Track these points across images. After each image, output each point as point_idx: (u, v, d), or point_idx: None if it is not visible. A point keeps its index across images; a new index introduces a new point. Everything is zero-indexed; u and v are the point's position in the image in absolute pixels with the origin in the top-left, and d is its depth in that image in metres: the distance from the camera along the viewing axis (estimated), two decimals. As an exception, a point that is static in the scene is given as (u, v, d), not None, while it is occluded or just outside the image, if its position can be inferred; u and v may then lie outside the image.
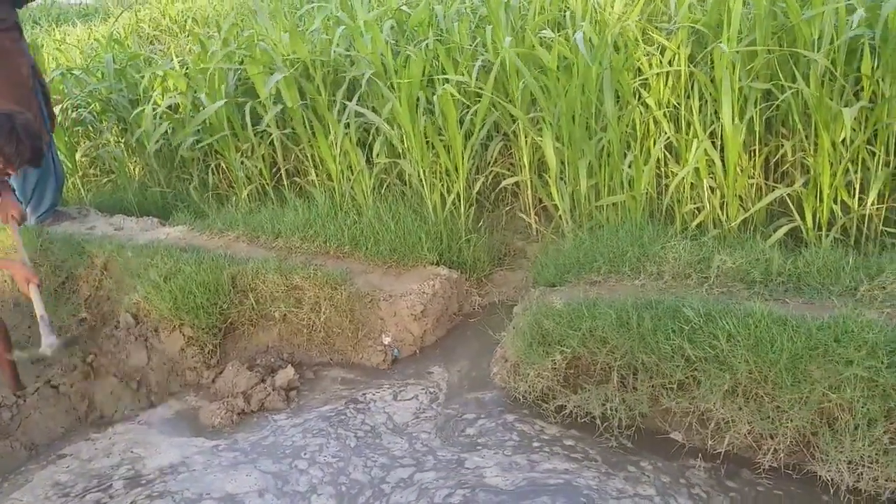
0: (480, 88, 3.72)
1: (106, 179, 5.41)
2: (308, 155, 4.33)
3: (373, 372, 3.37)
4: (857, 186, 3.10)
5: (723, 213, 3.34)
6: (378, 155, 4.02)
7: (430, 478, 2.59)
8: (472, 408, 2.99)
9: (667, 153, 3.51)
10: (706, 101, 3.37)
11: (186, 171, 4.89)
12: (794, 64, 3.15)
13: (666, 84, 3.46)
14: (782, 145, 3.32)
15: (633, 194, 3.47)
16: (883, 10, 2.86)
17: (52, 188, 4.37)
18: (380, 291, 3.50)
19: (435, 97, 3.75)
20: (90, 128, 5.33)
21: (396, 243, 3.67)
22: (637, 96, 3.51)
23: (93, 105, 5.24)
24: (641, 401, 2.65)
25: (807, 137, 3.18)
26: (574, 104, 3.44)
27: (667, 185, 3.48)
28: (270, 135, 4.29)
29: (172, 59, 4.83)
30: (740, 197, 3.32)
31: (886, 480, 2.23)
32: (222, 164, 4.72)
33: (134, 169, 5.23)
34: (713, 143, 3.34)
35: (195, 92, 4.50)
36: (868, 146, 3.05)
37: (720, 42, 3.13)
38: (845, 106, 2.94)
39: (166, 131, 4.66)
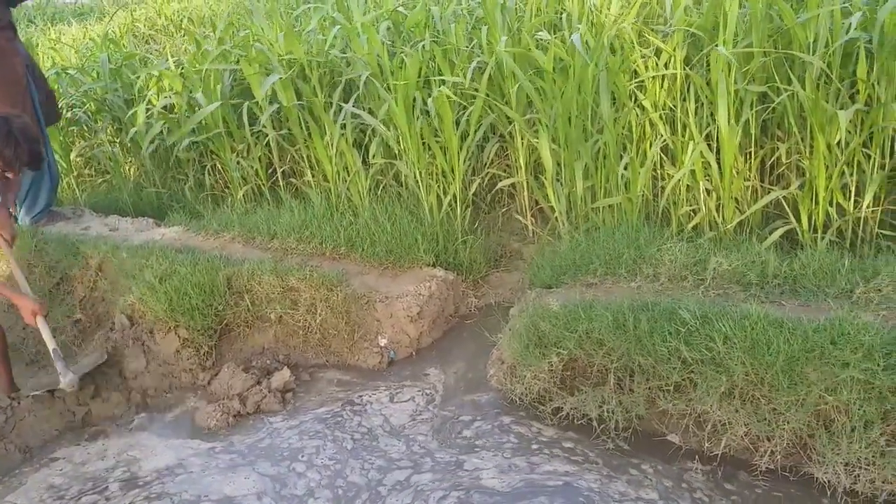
0: (475, 90, 3.72)
1: (101, 180, 5.39)
2: (304, 156, 4.32)
3: (369, 374, 3.36)
4: (853, 189, 3.11)
5: (719, 216, 3.35)
6: (374, 156, 4.02)
7: (427, 480, 2.59)
8: (469, 410, 2.98)
9: (663, 155, 3.51)
10: (702, 104, 3.38)
11: (182, 171, 4.87)
12: (789, 67, 3.16)
13: (662, 86, 3.47)
14: (778, 148, 3.33)
15: (630, 196, 3.47)
16: (879, 14, 2.86)
17: (46, 188, 4.35)
18: (376, 293, 3.49)
19: (430, 99, 3.75)
20: (85, 128, 5.31)
21: (393, 245, 3.66)
22: (633, 98, 3.51)
23: (88, 105, 5.21)
24: (638, 403, 2.66)
25: (802, 140, 3.19)
26: (570, 106, 3.44)
27: (663, 188, 3.48)
28: (266, 135, 4.28)
29: (168, 59, 4.81)
30: (736, 199, 3.33)
31: (883, 482, 2.23)
32: (218, 165, 4.71)
33: (129, 169, 5.21)
34: (709, 145, 3.35)
35: (190, 92, 4.48)
36: (863, 149, 3.07)
37: (717, 45, 3.14)
38: (841, 109, 2.95)
39: (161, 131, 4.64)
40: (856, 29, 2.93)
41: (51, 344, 3.04)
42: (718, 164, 3.28)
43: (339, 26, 4.21)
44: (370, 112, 4.06)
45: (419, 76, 3.83)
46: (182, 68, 4.67)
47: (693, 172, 3.34)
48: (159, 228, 4.30)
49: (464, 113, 3.85)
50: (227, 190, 4.67)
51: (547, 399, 2.83)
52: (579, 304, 2.85)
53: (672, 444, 2.62)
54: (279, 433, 2.97)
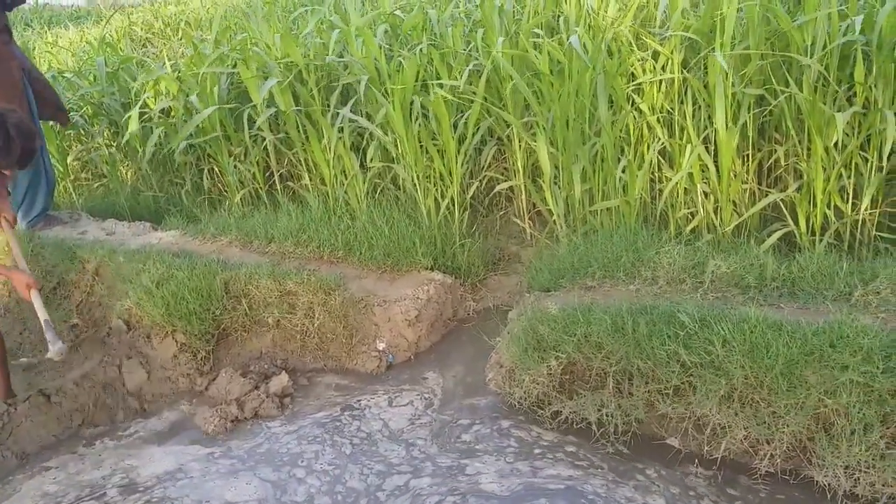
0: (473, 93, 3.72)
1: (98, 183, 5.37)
2: (301, 159, 4.32)
3: (367, 378, 3.35)
4: (851, 191, 3.11)
5: (717, 218, 3.35)
6: (372, 159, 4.01)
7: (426, 484, 2.58)
8: (468, 414, 2.98)
9: (660, 158, 3.51)
10: (700, 107, 3.38)
11: (179, 175, 4.86)
12: (787, 69, 3.17)
13: (659, 89, 3.47)
14: (775, 150, 3.34)
15: (628, 199, 3.47)
16: (878, 17, 2.87)
17: (43, 192, 4.34)
18: (374, 297, 3.48)
19: (427, 100, 3.74)
20: (82, 131, 5.29)
21: (390, 248, 3.65)
22: (631, 101, 3.51)
23: (84, 108, 5.20)
24: (637, 406, 2.65)
25: (800, 142, 3.19)
26: (568, 109, 3.44)
27: (661, 190, 3.48)
28: (264, 139, 4.27)
29: (165, 63, 4.81)
30: (734, 202, 3.33)
31: (883, 485, 2.23)
32: (215, 169, 4.70)
33: (126, 173, 5.20)
34: (707, 148, 3.35)
35: (187, 95, 4.48)
36: (861, 151, 3.07)
37: (713, 49, 3.14)
38: (838, 111, 2.95)
39: (159, 136, 4.63)
40: (855, 31, 2.93)
41: (42, 315, 3.01)
42: (716, 166, 3.28)
43: (338, 30, 4.21)
44: (368, 115, 4.06)
45: (417, 80, 3.82)
46: (178, 72, 4.67)
47: (691, 175, 3.34)
48: (156, 232, 4.29)
49: (461, 116, 3.85)
50: (224, 194, 4.66)
51: (546, 403, 2.82)
52: (578, 308, 2.85)
53: (672, 448, 2.62)
54: (278, 438, 2.96)
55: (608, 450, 2.64)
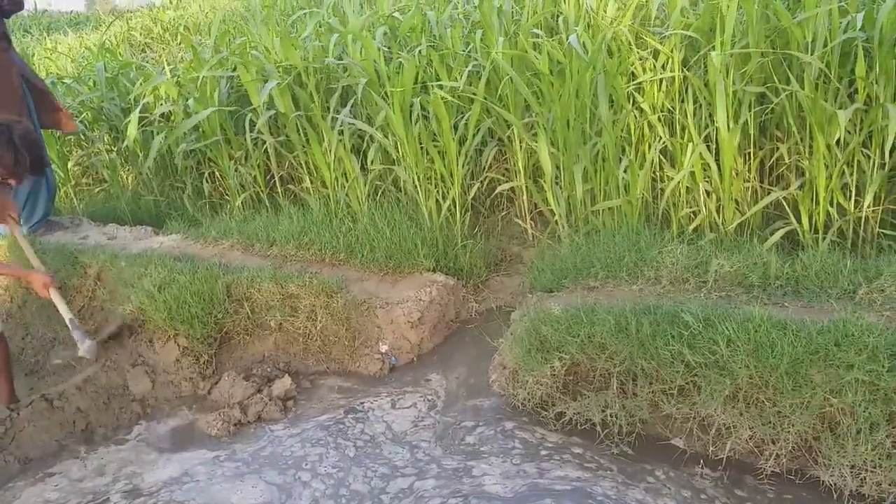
0: (473, 93, 3.71)
1: (98, 188, 5.38)
2: (302, 162, 4.31)
3: (370, 380, 3.34)
4: (853, 189, 3.10)
5: (719, 217, 3.34)
6: (372, 161, 4.00)
7: (431, 486, 2.57)
8: (471, 415, 2.97)
9: (662, 157, 3.50)
10: (700, 105, 3.37)
11: (180, 179, 4.86)
12: (787, 67, 3.16)
13: (660, 88, 3.46)
14: (777, 148, 3.32)
15: (629, 199, 3.46)
16: (879, 13, 2.86)
17: (44, 198, 4.34)
18: (376, 299, 3.48)
19: (425, 101, 3.73)
20: (82, 137, 5.29)
21: (392, 250, 3.65)
22: (631, 101, 3.50)
23: (84, 114, 5.20)
24: (641, 407, 2.64)
25: (802, 140, 3.18)
26: (568, 109, 3.43)
27: (662, 190, 3.47)
28: (264, 142, 4.27)
29: (164, 68, 4.80)
30: (736, 200, 3.32)
31: (890, 485, 2.22)
32: (216, 172, 4.69)
33: (127, 178, 5.19)
34: (708, 146, 3.34)
35: (187, 100, 4.47)
36: (863, 148, 3.06)
37: (712, 47, 3.13)
38: (840, 108, 2.94)
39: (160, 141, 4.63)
40: (855, 27, 2.92)
41: (66, 314, 3.00)
42: (718, 165, 3.27)
43: (337, 34, 4.20)
44: (368, 117, 4.05)
45: (416, 81, 3.82)
46: (178, 77, 4.66)
47: (692, 174, 3.33)
48: (158, 237, 4.29)
49: (462, 117, 3.84)
50: (225, 197, 4.66)
51: (549, 404, 2.81)
52: (581, 308, 2.84)
53: (676, 448, 2.61)
54: (281, 441, 2.95)
55: (613, 451, 2.63)
